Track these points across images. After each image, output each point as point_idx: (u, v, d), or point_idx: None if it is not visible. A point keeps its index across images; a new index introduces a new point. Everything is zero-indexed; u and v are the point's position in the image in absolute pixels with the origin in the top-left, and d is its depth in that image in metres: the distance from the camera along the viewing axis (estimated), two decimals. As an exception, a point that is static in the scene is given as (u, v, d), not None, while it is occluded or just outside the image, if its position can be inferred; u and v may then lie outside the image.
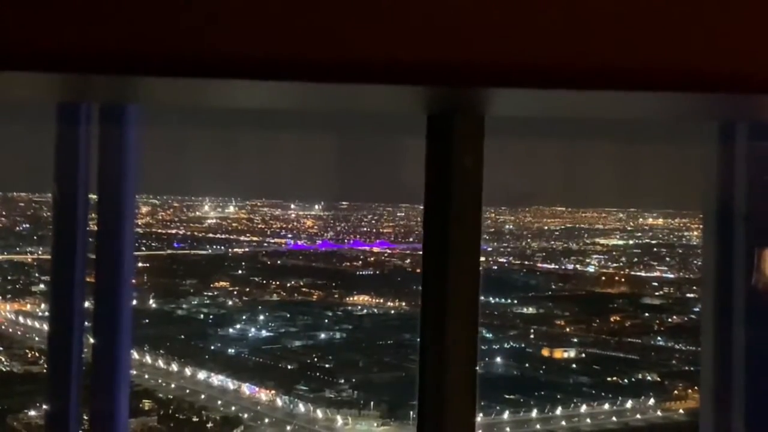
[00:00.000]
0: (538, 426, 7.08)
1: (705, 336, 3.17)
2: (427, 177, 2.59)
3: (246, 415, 7.12)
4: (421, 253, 2.66)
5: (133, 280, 3.34)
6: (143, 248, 7.74)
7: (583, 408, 7.16)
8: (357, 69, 1.97)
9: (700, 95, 2.13)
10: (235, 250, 8.05)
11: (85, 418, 3.20)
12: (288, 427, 7.03)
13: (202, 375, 7.39)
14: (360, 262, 8.01)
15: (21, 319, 7.61)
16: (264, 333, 7.60)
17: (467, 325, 2.58)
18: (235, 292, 7.81)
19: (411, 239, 7.76)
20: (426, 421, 2.61)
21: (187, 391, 7.33)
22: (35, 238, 7.66)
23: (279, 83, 2.03)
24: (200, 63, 1.98)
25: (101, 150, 3.14)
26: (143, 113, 3.17)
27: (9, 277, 7.85)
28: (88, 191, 3.17)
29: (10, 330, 7.60)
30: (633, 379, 7.34)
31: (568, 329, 7.59)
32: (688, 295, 7.55)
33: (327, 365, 7.39)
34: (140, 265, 7.50)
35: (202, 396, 7.28)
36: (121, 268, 3.15)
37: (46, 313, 3.89)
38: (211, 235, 8.06)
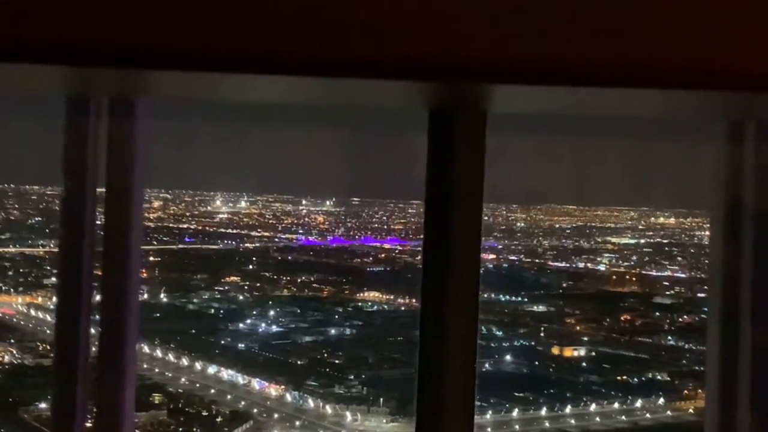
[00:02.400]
0: (547, 424, 7.07)
1: (711, 335, 3.15)
2: (429, 173, 2.58)
3: (256, 410, 7.13)
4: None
5: (144, 274, 3.34)
6: (155, 242, 7.75)
7: (593, 407, 7.15)
8: (358, 64, 1.97)
9: (708, 93, 2.12)
10: (246, 245, 8.06)
11: (93, 410, 3.21)
12: (297, 423, 7.04)
13: (212, 369, 7.41)
14: (371, 258, 8.02)
15: (32, 312, 7.64)
16: (274, 328, 7.61)
17: (467, 322, 2.57)
18: (246, 287, 7.82)
19: (422, 236, 7.73)
20: (425, 419, 2.61)
21: (197, 385, 7.35)
22: (47, 231, 7.68)
23: (284, 78, 2.04)
24: (208, 57, 1.99)
25: (110, 143, 3.14)
26: (154, 107, 3.17)
27: (21, 270, 7.88)
28: (97, 184, 3.17)
29: (22, 322, 7.63)
30: (643, 379, 7.33)
31: (578, 328, 7.57)
32: (699, 294, 7.53)
33: (337, 361, 7.40)
34: (151, 259, 7.52)
35: (212, 390, 7.29)
36: (129, 261, 3.15)
37: (57, 306, 3.90)
38: (222, 230, 8.08)
